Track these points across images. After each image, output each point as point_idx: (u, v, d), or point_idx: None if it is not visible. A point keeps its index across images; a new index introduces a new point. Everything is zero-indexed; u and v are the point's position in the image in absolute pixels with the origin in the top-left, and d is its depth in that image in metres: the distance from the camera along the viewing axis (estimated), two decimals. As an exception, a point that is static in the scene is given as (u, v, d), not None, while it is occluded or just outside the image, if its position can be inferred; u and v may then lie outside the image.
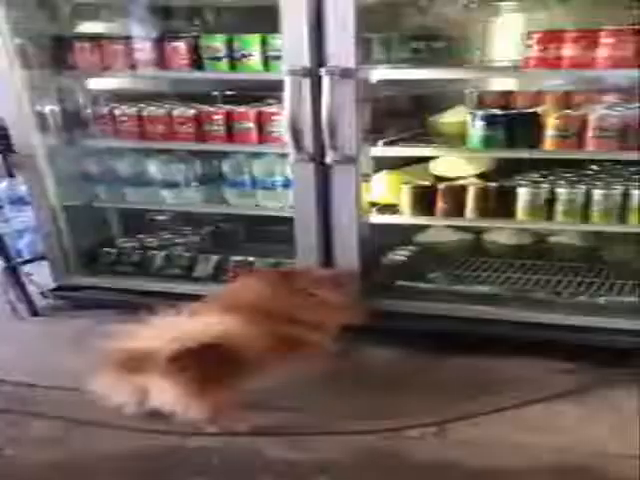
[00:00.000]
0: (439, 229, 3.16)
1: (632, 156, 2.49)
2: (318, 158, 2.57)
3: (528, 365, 2.57)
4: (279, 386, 2.34)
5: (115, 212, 3.38)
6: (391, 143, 2.73)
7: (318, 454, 2.11)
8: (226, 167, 2.99)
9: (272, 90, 2.66)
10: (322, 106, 2.45)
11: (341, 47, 2.41)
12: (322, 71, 2.42)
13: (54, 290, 3.23)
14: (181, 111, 2.88)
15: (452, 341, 2.65)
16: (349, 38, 2.39)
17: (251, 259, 3.07)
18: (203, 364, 2.06)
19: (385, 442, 2.17)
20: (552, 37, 2.38)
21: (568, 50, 2.36)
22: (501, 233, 3.15)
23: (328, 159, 2.55)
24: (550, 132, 2.51)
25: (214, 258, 3.13)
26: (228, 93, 3.16)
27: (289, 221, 2.75)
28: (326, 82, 2.42)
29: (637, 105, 2.58)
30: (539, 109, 2.65)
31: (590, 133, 2.47)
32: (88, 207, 3.16)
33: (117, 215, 3.39)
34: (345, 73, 2.42)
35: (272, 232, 3.21)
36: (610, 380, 2.44)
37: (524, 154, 2.62)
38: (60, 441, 2.21)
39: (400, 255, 3.12)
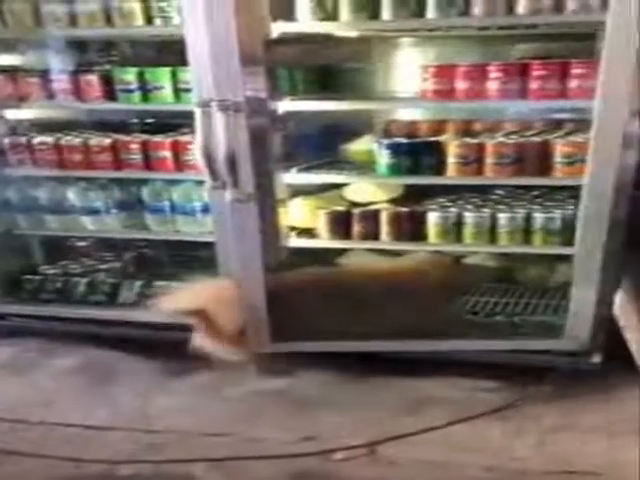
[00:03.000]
0: (358, 253, 3.22)
1: (528, 181, 2.61)
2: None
3: (452, 384, 2.63)
4: (209, 415, 2.43)
5: (36, 239, 3.36)
6: (304, 170, 2.80)
7: (252, 478, 2.13)
8: (145, 194, 3.00)
9: (186, 119, 2.69)
10: (218, 142, 2.44)
11: (231, 81, 2.41)
12: (213, 105, 2.41)
13: (-23, 319, 3.19)
14: (98, 140, 2.91)
15: (378, 362, 2.70)
16: (236, 72, 2.39)
17: (175, 284, 3.08)
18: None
19: (318, 464, 2.19)
20: (445, 70, 2.48)
21: (460, 83, 2.46)
22: (417, 256, 3.19)
23: (228, 196, 2.53)
24: (452, 159, 2.60)
25: (137, 284, 3.14)
26: (145, 121, 3.20)
27: (211, 246, 2.77)
28: (220, 117, 2.42)
29: (531, 133, 2.70)
30: (441, 137, 2.74)
31: (488, 160, 2.57)
32: (8, 235, 3.15)
33: (38, 242, 3.37)
34: (237, 107, 2.41)
35: (196, 257, 3.24)
36: (530, 397, 2.52)
37: (429, 180, 2.70)
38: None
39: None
